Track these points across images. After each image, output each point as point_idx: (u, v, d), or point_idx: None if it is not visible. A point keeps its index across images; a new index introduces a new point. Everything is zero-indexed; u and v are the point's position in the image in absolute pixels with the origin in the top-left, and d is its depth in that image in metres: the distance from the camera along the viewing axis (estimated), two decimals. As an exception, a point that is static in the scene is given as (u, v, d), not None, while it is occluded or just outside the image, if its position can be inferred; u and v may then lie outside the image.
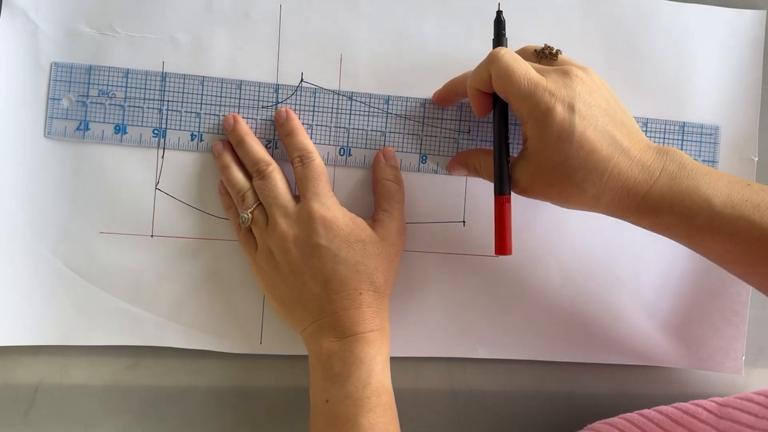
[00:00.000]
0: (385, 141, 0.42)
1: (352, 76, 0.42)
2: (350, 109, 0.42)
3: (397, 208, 0.40)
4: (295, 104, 0.42)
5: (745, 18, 0.43)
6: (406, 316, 0.42)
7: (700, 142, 0.42)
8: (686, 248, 0.43)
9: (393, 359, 0.42)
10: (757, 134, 0.42)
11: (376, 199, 0.40)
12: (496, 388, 0.43)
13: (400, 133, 0.42)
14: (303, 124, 0.42)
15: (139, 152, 0.41)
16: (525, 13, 0.42)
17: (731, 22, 0.43)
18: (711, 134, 0.42)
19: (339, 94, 0.42)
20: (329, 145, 0.42)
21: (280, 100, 0.42)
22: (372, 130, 0.42)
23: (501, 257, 0.42)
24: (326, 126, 0.42)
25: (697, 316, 0.42)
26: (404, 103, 0.42)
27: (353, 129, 0.42)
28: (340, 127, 0.42)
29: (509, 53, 0.34)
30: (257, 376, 0.42)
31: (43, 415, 0.41)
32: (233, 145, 0.41)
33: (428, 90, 0.42)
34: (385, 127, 0.42)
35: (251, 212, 0.39)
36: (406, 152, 0.42)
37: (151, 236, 0.41)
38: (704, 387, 0.43)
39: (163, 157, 0.41)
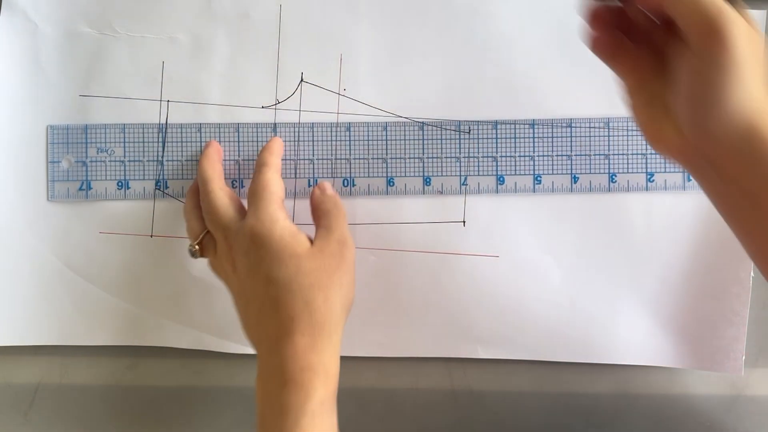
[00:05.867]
0: (387, 168, 0.42)
1: (352, 76, 0.42)
2: (349, 139, 0.42)
3: (336, 222, 0.36)
4: (295, 134, 0.42)
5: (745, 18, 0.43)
6: (406, 316, 0.42)
7: None
8: (686, 248, 0.43)
9: (393, 359, 0.42)
10: (757, 134, 0.42)
11: (315, 223, 0.37)
12: (496, 388, 0.43)
13: (401, 158, 0.42)
14: (303, 159, 0.41)
15: (138, 153, 0.41)
16: (525, 13, 0.42)
17: (731, 22, 0.43)
18: None
19: (336, 126, 0.41)
20: (331, 177, 0.42)
21: (280, 100, 0.42)
22: (373, 158, 0.42)
23: (501, 257, 0.42)
24: (327, 159, 0.42)
25: (697, 316, 0.42)
26: (402, 129, 0.42)
27: (354, 159, 0.42)
28: (340, 159, 0.42)
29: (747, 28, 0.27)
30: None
31: (43, 415, 0.41)
32: (201, 164, 0.39)
33: (428, 89, 0.42)
34: (386, 154, 0.42)
35: (198, 243, 0.37)
36: (410, 176, 0.42)
37: (151, 236, 0.41)
38: (704, 387, 0.43)
39: (163, 156, 0.41)
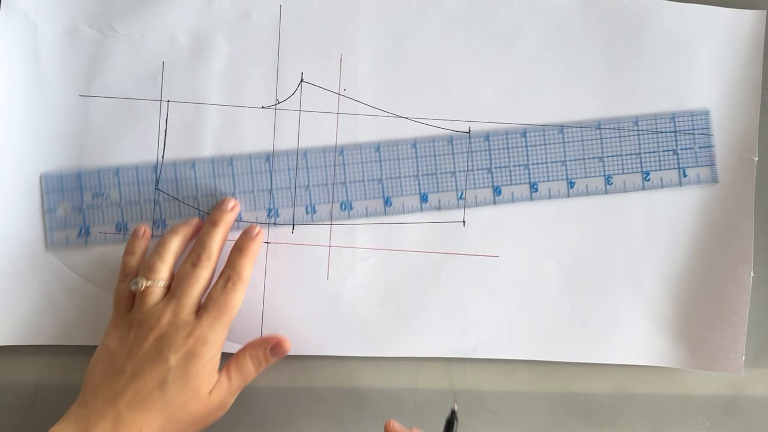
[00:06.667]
0: (383, 188, 0.42)
1: (352, 76, 0.42)
2: (343, 163, 0.41)
3: (238, 386, 0.37)
4: (287, 162, 0.41)
5: (745, 18, 0.43)
6: (406, 316, 0.42)
7: (693, 130, 0.42)
8: (685, 248, 0.43)
9: (393, 359, 0.42)
10: (757, 134, 0.42)
11: (232, 360, 0.38)
12: (496, 388, 0.43)
13: (396, 177, 0.42)
14: (299, 186, 0.41)
15: (138, 153, 0.41)
16: (525, 13, 0.42)
17: (731, 22, 0.43)
18: (702, 118, 0.42)
19: (332, 151, 0.41)
20: (328, 203, 0.42)
21: (280, 100, 0.42)
22: (369, 180, 0.42)
23: (501, 257, 0.42)
24: (323, 185, 0.42)
25: (697, 316, 0.42)
26: (395, 148, 0.42)
27: (350, 182, 0.42)
28: (336, 183, 0.42)
29: None
30: (257, 376, 0.42)
31: (43, 415, 0.41)
32: (208, 220, 0.39)
33: (428, 89, 0.42)
34: (381, 174, 0.42)
35: (150, 285, 0.36)
36: (406, 195, 0.42)
37: (151, 236, 0.41)
38: (704, 387, 0.43)
39: (163, 157, 0.42)
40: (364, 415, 0.42)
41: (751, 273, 0.42)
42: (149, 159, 0.41)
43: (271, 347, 0.38)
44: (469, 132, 0.42)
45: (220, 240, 0.39)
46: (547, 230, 0.42)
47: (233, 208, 0.40)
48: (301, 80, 0.42)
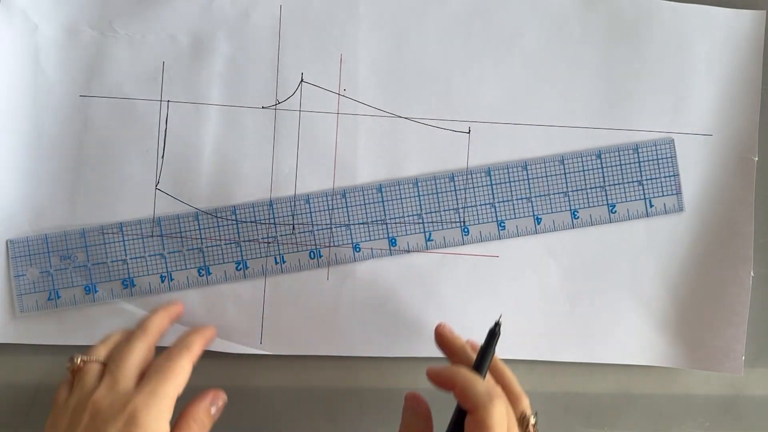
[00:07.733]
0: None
1: (352, 77, 0.42)
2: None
3: None
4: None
5: (745, 18, 0.43)
6: (406, 316, 0.42)
7: (657, 159, 0.42)
8: (685, 248, 0.43)
9: (393, 359, 0.42)
10: (756, 134, 0.42)
11: (175, 428, 0.34)
12: (496, 388, 0.43)
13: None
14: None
15: (138, 153, 0.41)
16: (525, 13, 0.42)
17: (731, 22, 0.43)
18: (666, 148, 0.42)
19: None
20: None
21: (280, 100, 0.42)
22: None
23: (501, 257, 0.42)
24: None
25: (696, 316, 0.42)
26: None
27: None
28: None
29: (504, 410, 0.33)
30: (257, 376, 0.42)
31: (44, 415, 0.41)
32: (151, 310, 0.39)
33: (428, 89, 0.42)
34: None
35: (86, 360, 0.34)
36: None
37: (151, 236, 0.41)
38: (704, 387, 0.43)
39: (163, 156, 0.42)
40: (364, 415, 0.42)
41: (751, 273, 0.42)
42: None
43: (210, 401, 0.36)
44: (468, 132, 0.42)
45: (157, 320, 0.38)
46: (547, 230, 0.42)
47: (176, 310, 0.40)
48: (301, 80, 0.42)
